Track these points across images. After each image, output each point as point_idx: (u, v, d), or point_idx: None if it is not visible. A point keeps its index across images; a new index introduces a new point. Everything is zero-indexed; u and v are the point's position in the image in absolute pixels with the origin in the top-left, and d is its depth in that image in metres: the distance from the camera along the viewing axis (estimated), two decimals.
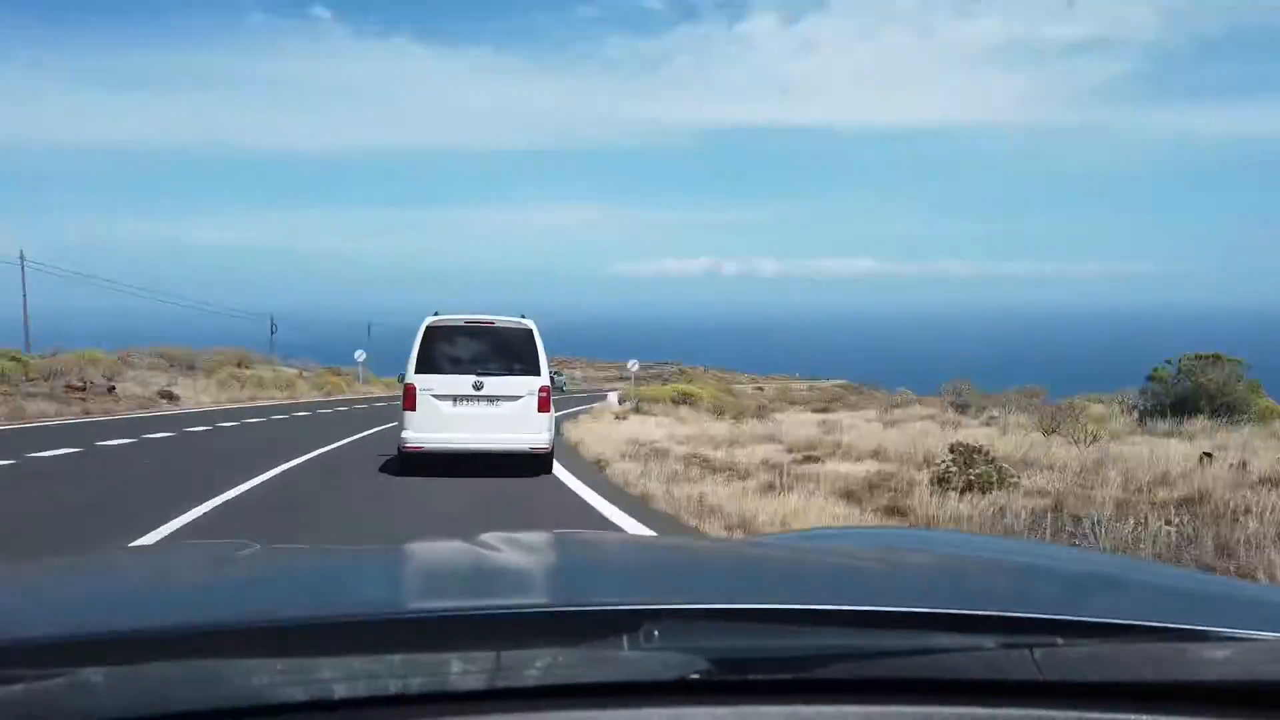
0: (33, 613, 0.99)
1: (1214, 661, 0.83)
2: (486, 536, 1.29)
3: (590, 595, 1.01)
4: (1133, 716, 0.80)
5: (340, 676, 0.75)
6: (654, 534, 2.94)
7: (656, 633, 0.81)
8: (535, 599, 1.00)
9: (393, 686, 0.76)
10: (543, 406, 10.72)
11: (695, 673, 0.79)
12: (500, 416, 10.61)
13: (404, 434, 10.71)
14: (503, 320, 10.94)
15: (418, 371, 10.60)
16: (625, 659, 0.80)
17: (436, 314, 10.95)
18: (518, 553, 1.27)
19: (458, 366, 10.62)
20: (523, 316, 11.02)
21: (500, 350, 10.78)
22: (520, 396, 10.65)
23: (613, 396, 31.58)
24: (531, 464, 10.89)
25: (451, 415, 10.58)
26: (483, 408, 10.63)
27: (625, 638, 0.80)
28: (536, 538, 1.47)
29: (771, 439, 15.63)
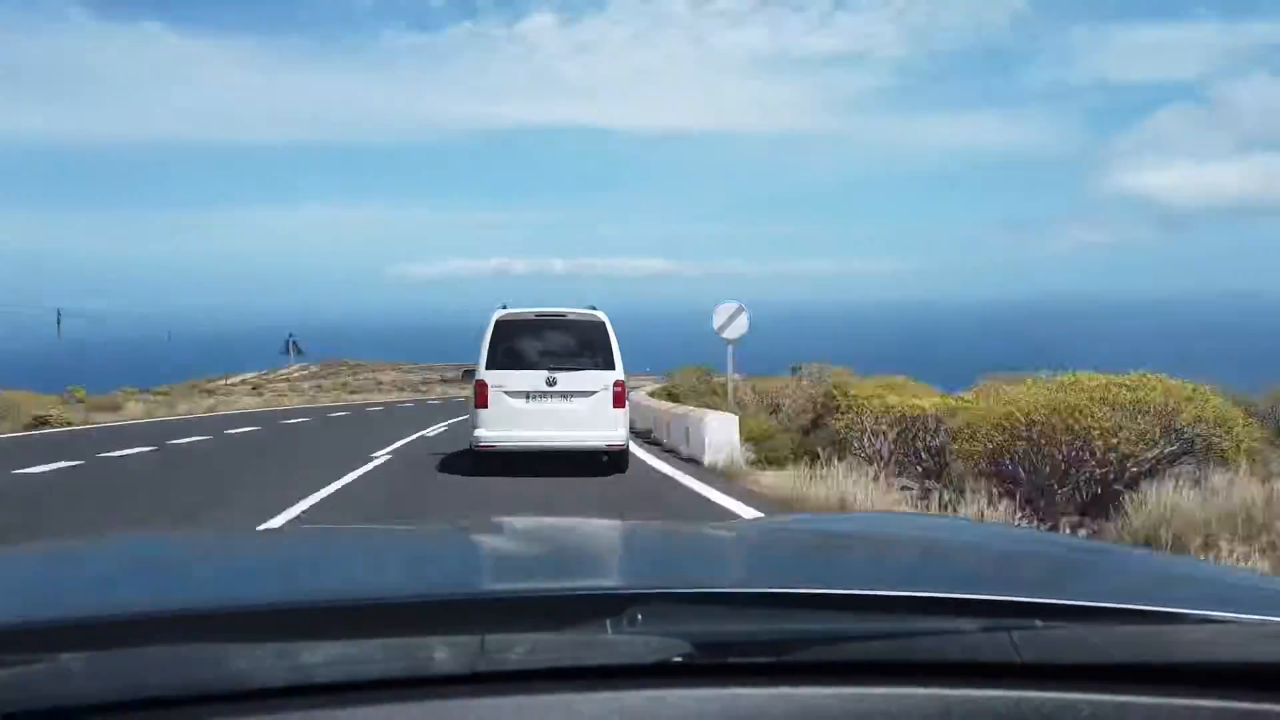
0: (10, 598, 0.98)
1: (1189, 643, 0.84)
2: (470, 520, 1.33)
3: (574, 579, 1.02)
4: (1110, 698, 0.80)
5: (321, 661, 0.75)
6: (634, 520, 2.62)
7: (640, 616, 0.81)
8: (519, 583, 0.99)
9: (374, 670, 0.76)
10: (618, 402, 10.41)
11: (678, 655, 0.79)
12: (575, 413, 10.29)
13: (476, 433, 10.41)
14: (575, 312, 10.66)
15: (489, 367, 10.31)
16: (609, 642, 0.80)
17: (505, 307, 10.67)
18: (501, 536, 1.28)
19: (530, 361, 10.34)
20: (593, 308, 10.74)
21: (573, 344, 10.52)
22: (595, 392, 10.32)
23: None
24: (604, 463, 10.59)
25: (525, 412, 10.28)
26: (556, 404, 10.33)
27: (609, 621, 0.81)
28: (520, 522, 1.47)
29: None
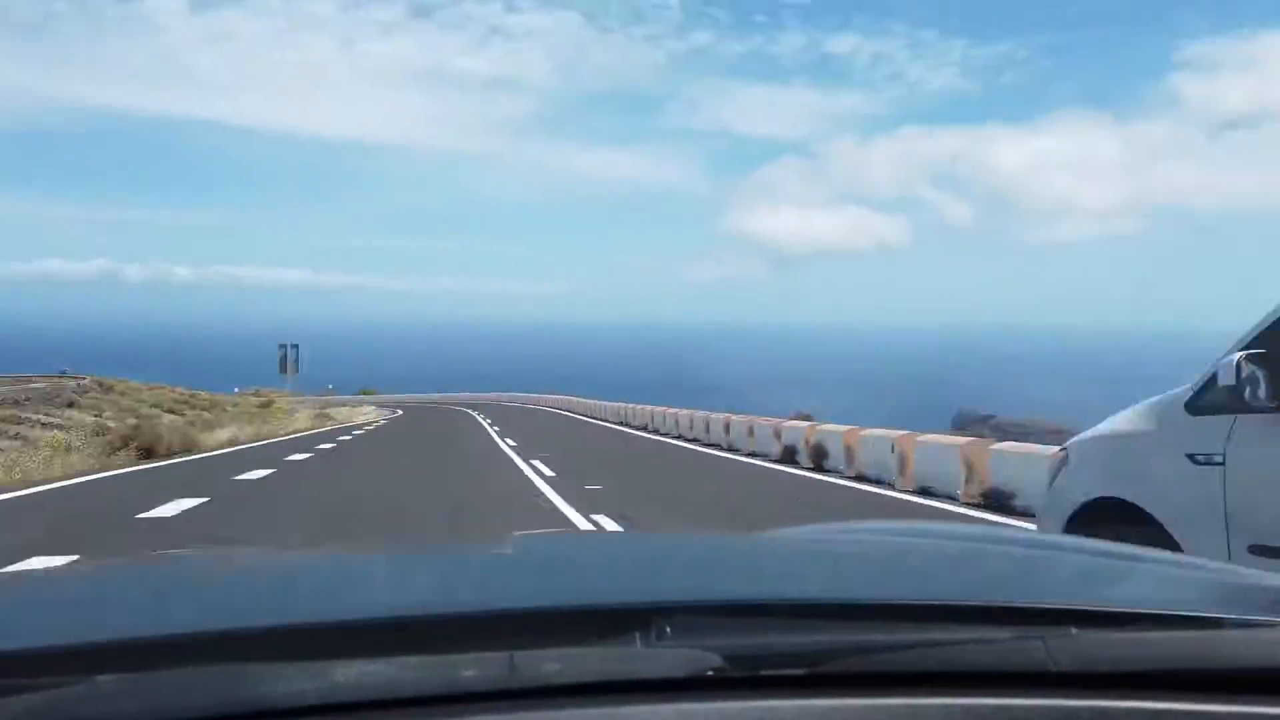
0: (49, 621, 0.99)
1: (1228, 648, 0.82)
2: (497, 536, 1.33)
3: (603, 593, 1.01)
4: (1147, 705, 0.79)
5: (354, 679, 0.75)
6: (661, 532, 3.11)
7: (669, 629, 0.80)
8: (548, 598, 0.97)
9: (406, 688, 0.75)
10: None
11: (709, 669, 0.78)
12: None
13: None
14: None
15: None
16: (638, 656, 0.79)
17: None
18: (528, 552, 1.27)
19: None
20: None
21: None
22: None
23: None
24: None
25: None
26: None
27: (638, 635, 0.80)
28: (547, 537, 1.51)
29: None
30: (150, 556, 2.39)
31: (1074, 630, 0.83)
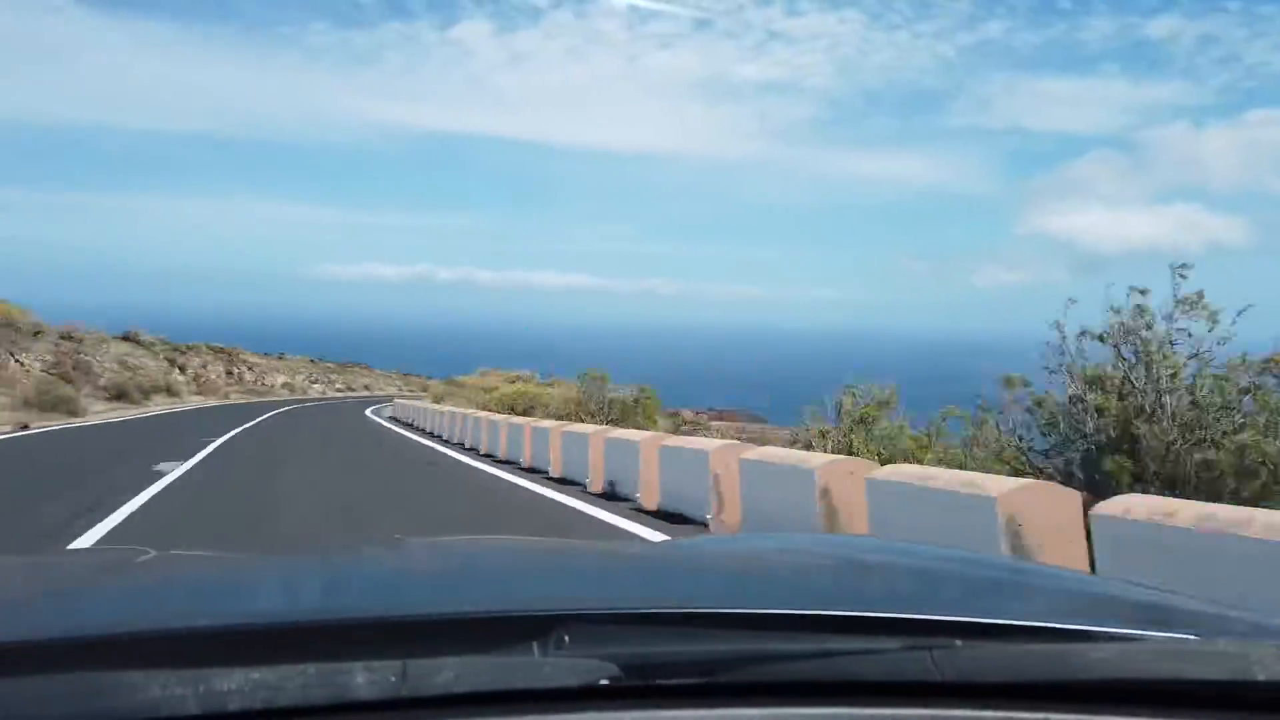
0: None
1: (1101, 661, 0.84)
2: (395, 539, 1.30)
3: (500, 600, 0.99)
4: (1027, 715, 0.81)
5: (236, 687, 0.72)
6: (558, 539, 3.27)
7: (567, 638, 0.80)
8: (441, 604, 0.95)
9: (292, 697, 0.73)
10: None
11: (605, 678, 0.78)
12: None
13: None
14: None
15: None
16: (535, 665, 0.79)
17: None
18: (426, 556, 1.25)
19: None
20: None
21: None
22: None
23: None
24: None
25: None
26: None
27: (535, 644, 0.80)
28: (447, 541, 1.47)
29: None
30: (27, 556, 2.27)
31: (958, 642, 0.85)
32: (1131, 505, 4.43)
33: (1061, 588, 1.25)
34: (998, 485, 5.20)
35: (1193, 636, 0.90)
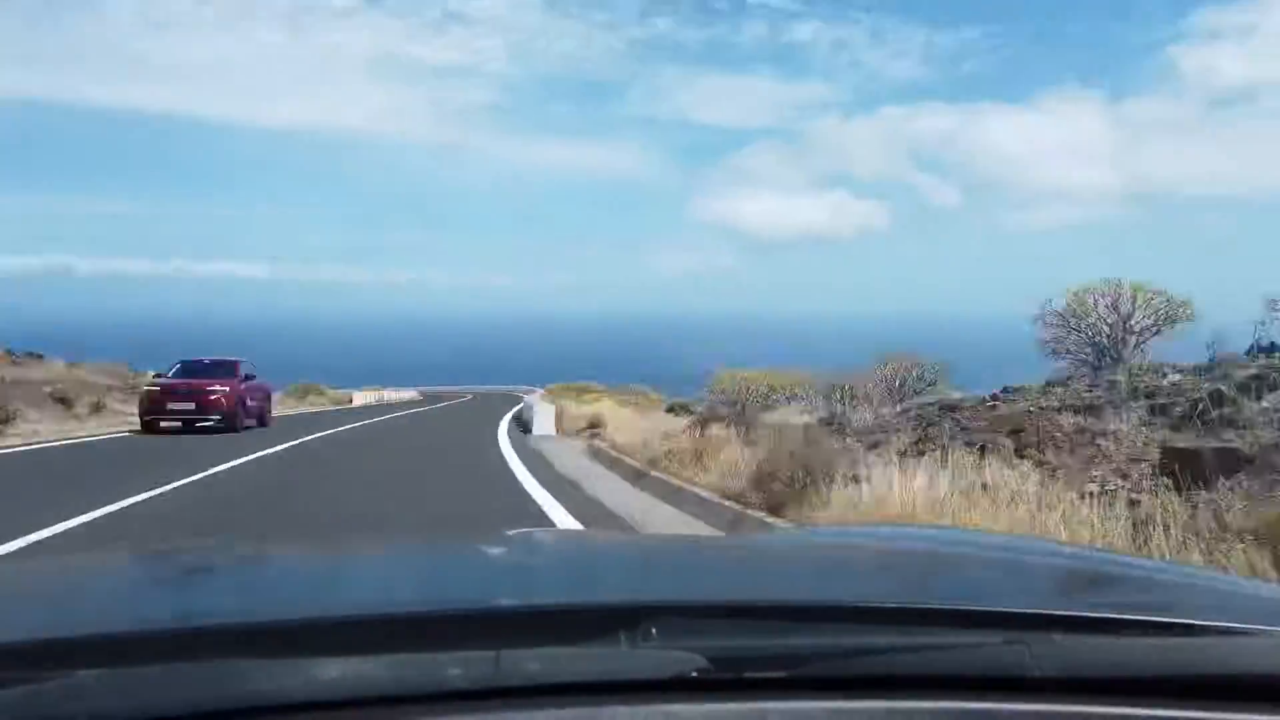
0: (27, 614, 0.98)
1: (1210, 655, 0.84)
2: (483, 534, 1.34)
3: (588, 592, 1.02)
4: (1128, 711, 0.80)
5: (335, 677, 0.75)
6: (645, 533, 3.20)
7: (654, 630, 0.81)
8: (533, 596, 0.99)
9: (389, 687, 0.76)
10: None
11: (693, 670, 0.79)
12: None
13: None
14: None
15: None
16: (624, 656, 0.80)
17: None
18: (514, 550, 1.29)
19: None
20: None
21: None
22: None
23: None
24: None
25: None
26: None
27: (623, 635, 0.81)
28: (533, 535, 1.50)
29: None
30: (132, 549, 2.34)
31: (1057, 636, 0.84)
32: None
33: (1161, 579, 1.22)
34: None
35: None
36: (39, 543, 6.28)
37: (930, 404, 11.92)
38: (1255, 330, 10.10)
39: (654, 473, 10.25)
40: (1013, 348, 15.71)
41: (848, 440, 9.36)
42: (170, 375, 19.05)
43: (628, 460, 11.84)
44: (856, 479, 6.62)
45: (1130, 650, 0.84)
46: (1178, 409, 8.01)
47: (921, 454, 7.56)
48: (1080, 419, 8.38)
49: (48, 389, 20.82)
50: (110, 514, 7.60)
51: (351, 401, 39.38)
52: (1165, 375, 10.11)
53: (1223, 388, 8.02)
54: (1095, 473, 6.88)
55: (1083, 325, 12.13)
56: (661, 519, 7.91)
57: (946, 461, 6.87)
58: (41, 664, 0.74)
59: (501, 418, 25.05)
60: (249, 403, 18.99)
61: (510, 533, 1.40)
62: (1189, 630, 0.85)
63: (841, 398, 13.16)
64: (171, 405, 17.87)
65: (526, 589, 1.10)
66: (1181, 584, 1.22)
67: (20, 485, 10.26)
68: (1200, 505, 4.95)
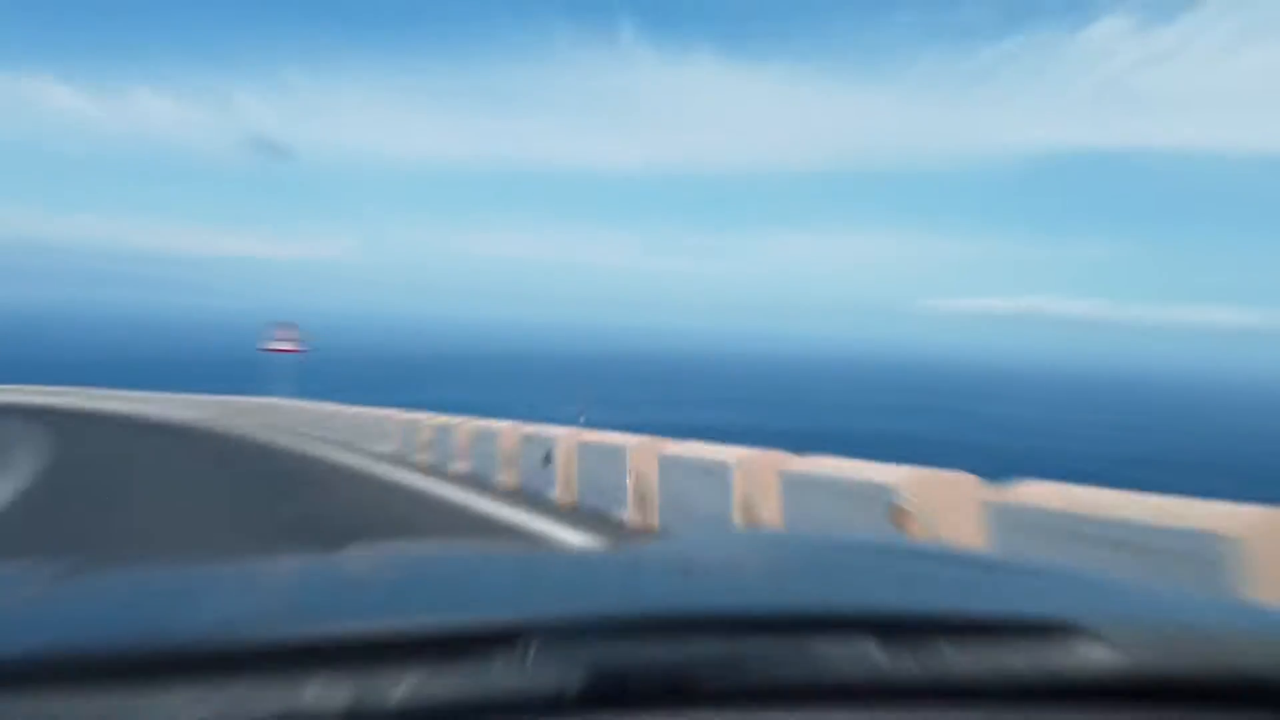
0: None
1: (1090, 656, 0.84)
2: (350, 550, 1.22)
3: (463, 611, 0.95)
4: (1014, 715, 0.80)
5: (180, 709, 0.69)
6: (523, 546, 2.97)
7: (534, 649, 0.77)
8: (401, 617, 0.90)
9: (243, 717, 0.70)
10: None
11: (575, 689, 0.75)
12: None
13: None
14: None
15: None
16: (501, 679, 0.75)
17: None
18: (380, 566, 1.20)
19: None
20: None
21: None
22: None
23: None
24: None
25: None
26: None
27: (501, 656, 0.76)
28: (401, 550, 1.40)
29: None
30: None
31: (942, 640, 0.83)
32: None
33: (1050, 582, 1.24)
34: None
35: (1182, 628, 0.90)
36: None
37: None
38: None
39: None
40: None
41: None
42: None
43: None
44: None
45: (1014, 652, 0.83)
46: None
47: None
48: None
49: None
50: None
51: None
52: None
53: None
54: None
55: None
56: None
57: None
58: None
59: None
60: None
61: (374, 547, 1.29)
62: (1069, 631, 0.85)
63: None
64: None
65: (393, 609, 1.01)
66: (1062, 585, 1.23)
67: None
68: None
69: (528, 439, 12.16)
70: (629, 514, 9.29)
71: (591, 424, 9.00)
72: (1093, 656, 0.83)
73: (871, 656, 0.81)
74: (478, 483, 12.81)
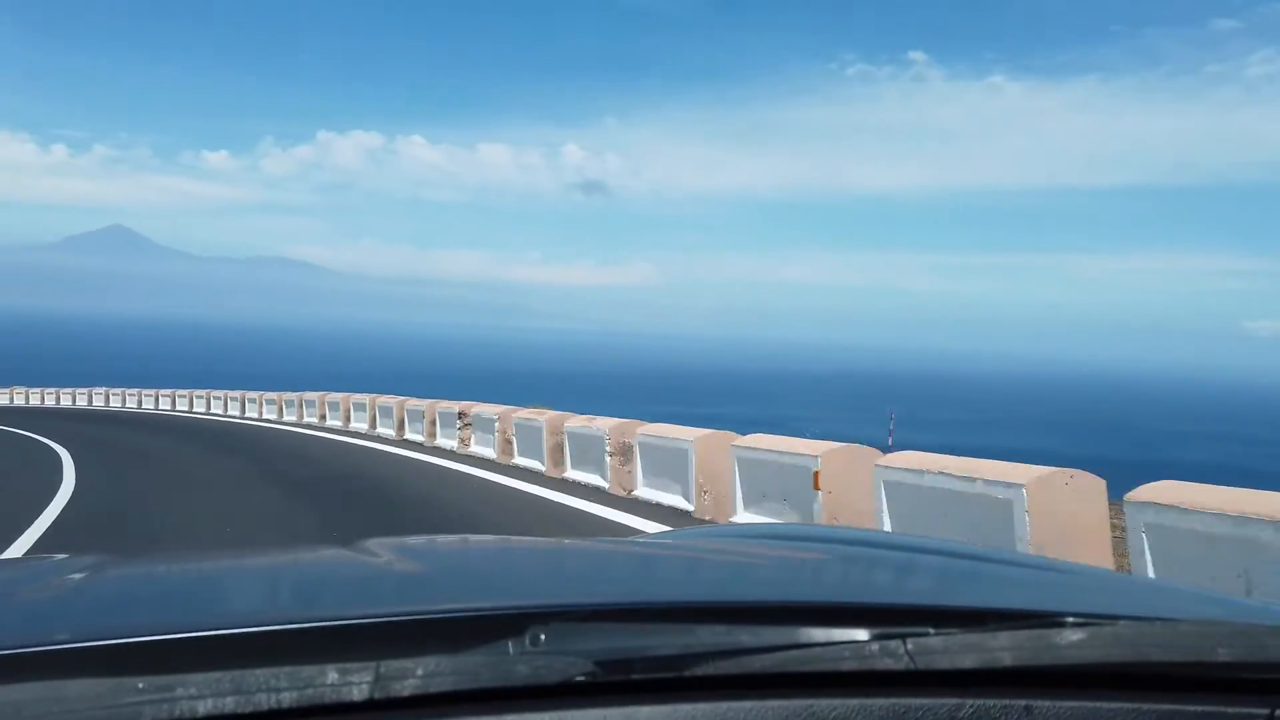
0: None
1: (1070, 645, 0.86)
2: (366, 542, 1.26)
3: (472, 599, 0.98)
4: (1001, 702, 0.82)
5: (205, 694, 0.72)
6: (532, 537, 2.42)
7: (542, 635, 0.80)
8: (414, 604, 0.94)
9: (264, 702, 0.73)
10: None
11: (581, 675, 0.78)
12: None
13: None
14: None
15: None
16: (510, 663, 0.79)
17: None
18: (396, 557, 1.24)
19: None
20: None
21: None
22: None
23: None
24: None
25: None
26: None
27: (510, 642, 0.80)
28: (417, 542, 1.45)
29: None
30: None
31: (931, 630, 0.86)
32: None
33: (1034, 574, 1.27)
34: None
35: (1159, 619, 0.92)
36: None
37: None
38: None
39: None
40: None
41: None
42: None
43: None
44: None
45: (1002, 642, 0.86)
46: None
47: None
48: None
49: None
50: None
51: None
52: None
53: None
54: None
55: None
56: None
57: None
58: None
59: None
60: None
61: (390, 539, 1.33)
62: (1056, 621, 0.88)
63: None
64: None
65: (406, 596, 1.07)
66: (1052, 576, 1.27)
67: None
68: None
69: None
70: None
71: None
72: (1076, 647, 0.86)
73: (864, 646, 0.85)
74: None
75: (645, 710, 0.79)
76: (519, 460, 12.84)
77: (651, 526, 7.89)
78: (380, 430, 18.27)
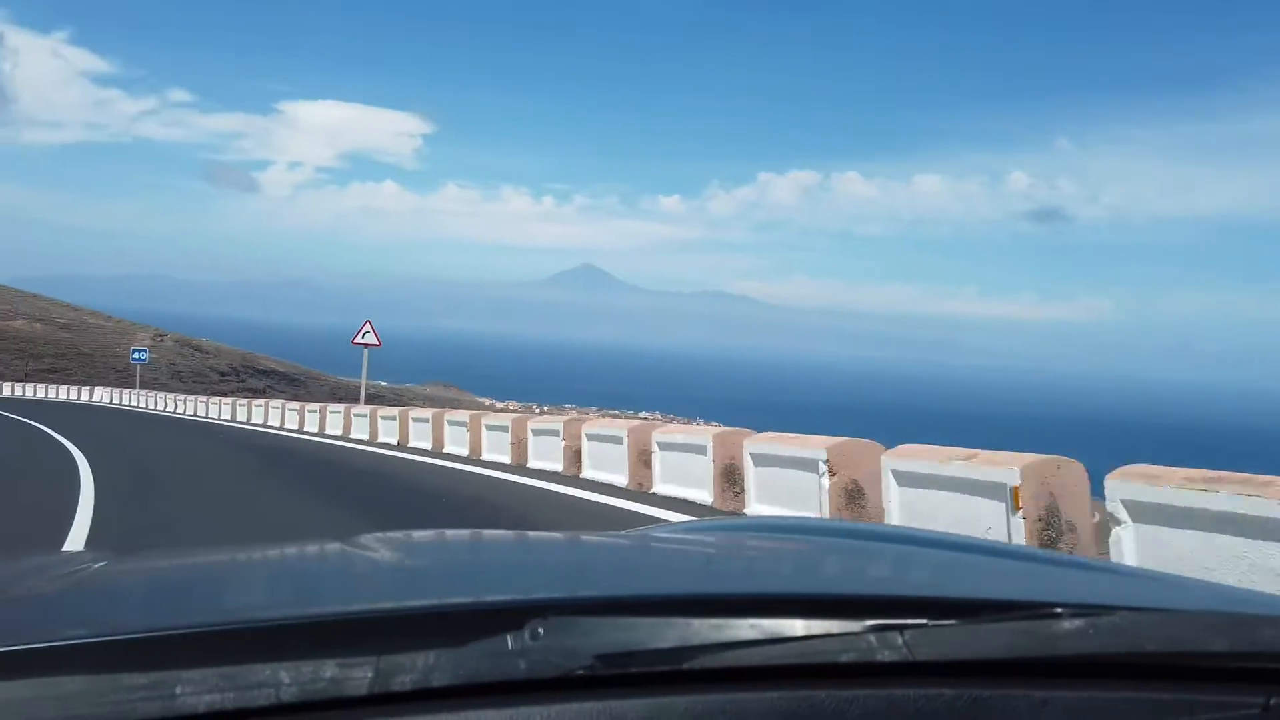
0: None
1: (1067, 636, 0.86)
2: (364, 538, 1.26)
3: (472, 593, 0.99)
4: (999, 692, 0.82)
5: (205, 689, 0.73)
6: (531, 531, 2.24)
7: (541, 629, 0.80)
8: (414, 598, 0.95)
9: (265, 697, 0.73)
10: None
11: (580, 668, 0.78)
12: None
13: None
14: None
15: None
16: (510, 658, 0.79)
17: None
18: (396, 552, 1.25)
19: None
20: None
21: None
22: None
23: None
24: None
25: None
26: None
27: (509, 636, 0.80)
28: (417, 536, 1.45)
29: None
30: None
31: (927, 621, 0.84)
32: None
33: (1030, 566, 1.22)
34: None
35: (1155, 609, 0.92)
36: None
37: None
38: None
39: None
40: None
41: None
42: None
43: None
44: None
45: (998, 633, 0.85)
46: None
47: None
48: None
49: None
50: None
51: None
52: None
53: None
54: None
55: None
56: None
57: None
58: None
59: None
60: None
61: (392, 534, 1.33)
62: (1053, 612, 0.86)
63: None
64: None
65: (406, 590, 1.07)
66: (1049, 568, 1.22)
67: None
68: None
69: None
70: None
71: None
72: (1073, 637, 0.85)
73: (862, 638, 0.83)
74: None
75: (644, 703, 0.78)
76: None
77: None
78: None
